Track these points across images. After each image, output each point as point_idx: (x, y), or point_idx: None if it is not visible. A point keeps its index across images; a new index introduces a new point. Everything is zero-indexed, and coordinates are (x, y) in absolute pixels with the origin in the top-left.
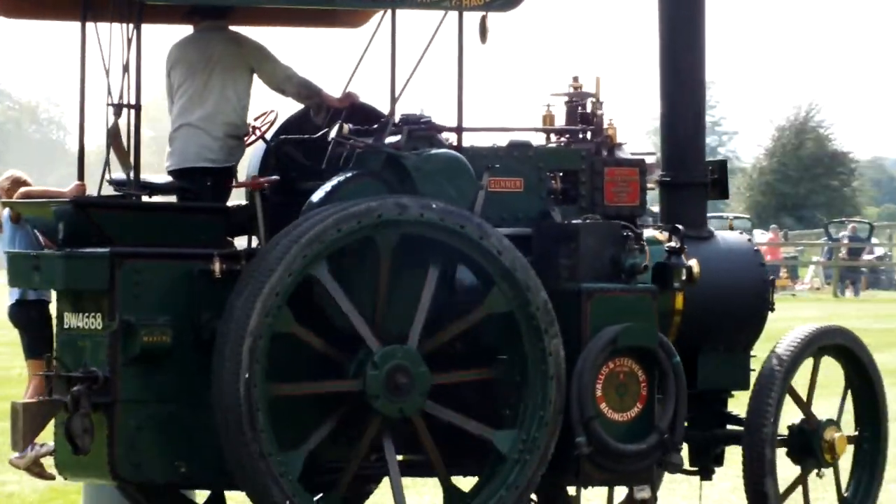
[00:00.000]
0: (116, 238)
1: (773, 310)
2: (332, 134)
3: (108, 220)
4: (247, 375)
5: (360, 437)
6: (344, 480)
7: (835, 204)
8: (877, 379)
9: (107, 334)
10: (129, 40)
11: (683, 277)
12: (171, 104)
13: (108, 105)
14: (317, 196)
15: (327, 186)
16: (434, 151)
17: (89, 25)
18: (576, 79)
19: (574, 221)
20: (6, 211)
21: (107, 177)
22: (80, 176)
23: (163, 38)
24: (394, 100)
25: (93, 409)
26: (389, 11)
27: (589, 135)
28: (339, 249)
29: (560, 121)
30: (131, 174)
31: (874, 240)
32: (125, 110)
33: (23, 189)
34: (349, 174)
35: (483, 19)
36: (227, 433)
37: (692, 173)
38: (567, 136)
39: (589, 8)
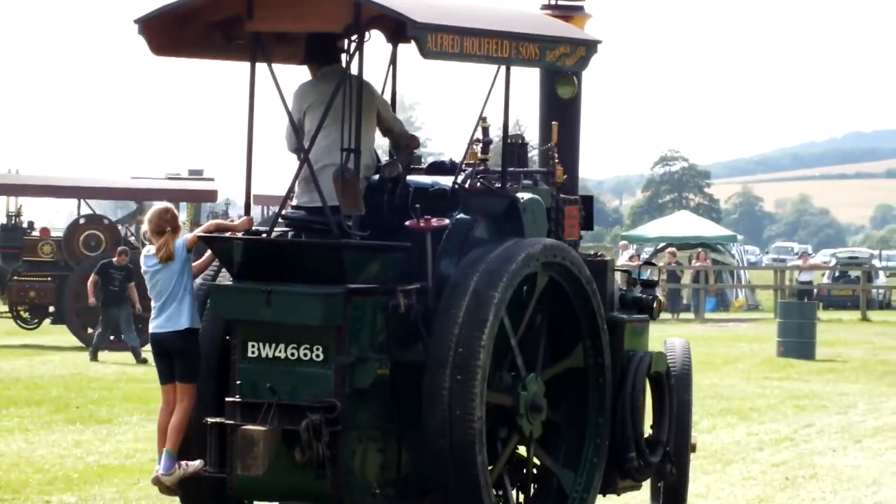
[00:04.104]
0: (351, 276)
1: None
2: (386, 173)
3: (350, 258)
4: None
5: (502, 449)
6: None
7: None
8: None
9: (333, 366)
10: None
11: (655, 306)
12: (300, 142)
13: (342, 150)
14: (451, 237)
15: (456, 230)
16: (529, 195)
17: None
18: (484, 119)
19: (597, 259)
20: (181, 240)
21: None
22: (247, 210)
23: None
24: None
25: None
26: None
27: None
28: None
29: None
30: (355, 215)
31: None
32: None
33: (215, 221)
34: (470, 217)
35: (571, 75)
36: (457, 450)
37: None
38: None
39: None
